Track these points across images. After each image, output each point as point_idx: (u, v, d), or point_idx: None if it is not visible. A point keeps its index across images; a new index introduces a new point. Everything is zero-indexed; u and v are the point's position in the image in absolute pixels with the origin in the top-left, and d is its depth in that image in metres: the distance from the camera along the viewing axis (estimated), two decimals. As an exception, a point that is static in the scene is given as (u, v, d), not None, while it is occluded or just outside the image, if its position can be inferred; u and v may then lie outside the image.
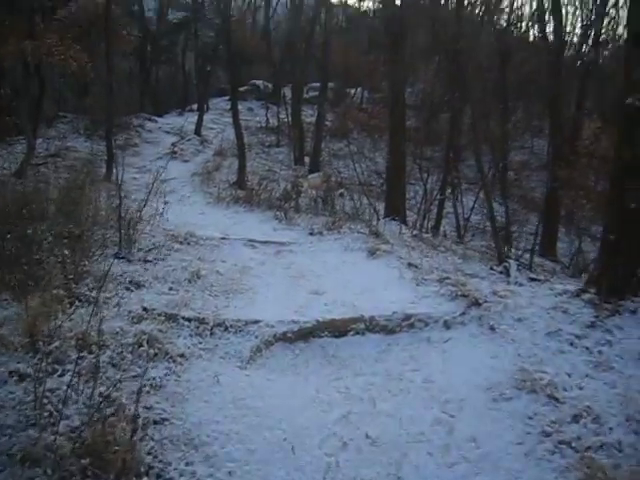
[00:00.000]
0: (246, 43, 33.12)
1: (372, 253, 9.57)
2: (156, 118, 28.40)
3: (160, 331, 5.75)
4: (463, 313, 6.84)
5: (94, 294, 6.28)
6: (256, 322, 6.38)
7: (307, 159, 23.86)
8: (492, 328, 6.47)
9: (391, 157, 14.15)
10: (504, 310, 6.74)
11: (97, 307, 5.89)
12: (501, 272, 9.12)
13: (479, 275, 8.93)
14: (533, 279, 9.01)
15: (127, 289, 6.88)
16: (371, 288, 7.85)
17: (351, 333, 6.59)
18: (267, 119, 28.66)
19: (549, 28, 24.33)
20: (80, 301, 6.21)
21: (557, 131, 20.00)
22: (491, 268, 9.33)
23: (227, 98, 30.38)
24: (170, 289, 7.10)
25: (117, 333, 5.56)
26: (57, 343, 5.13)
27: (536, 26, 35.97)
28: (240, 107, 34.20)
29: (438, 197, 16.36)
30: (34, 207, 10.48)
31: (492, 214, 12.06)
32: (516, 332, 6.33)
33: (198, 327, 6.13)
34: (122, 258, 8.20)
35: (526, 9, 59.30)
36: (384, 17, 15.43)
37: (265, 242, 10.47)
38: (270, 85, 34.93)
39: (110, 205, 13.50)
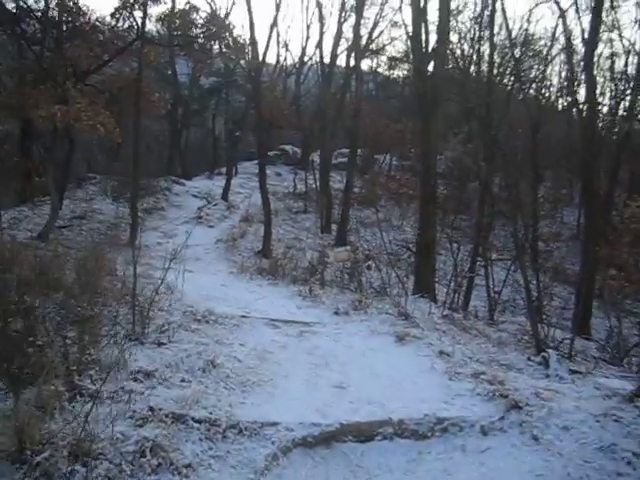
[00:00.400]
0: (276, 108, 33.02)
1: (401, 338, 8.93)
2: (184, 181, 28.23)
3: (166, 436, 5.13)
4: (502, 417, 6.15)
5: (98, 387, 5.71)
6: (274, 424, 5.74)
7: (334, 226, 23.40)
8: (535, 438, 5.77)
9: (421, 231, 13.59)
10: (548, 416, 6.05)
11: (98, 405, 5.32)
12: (540, 363, 8.42)
13: (516, 366, 8.23)
14: (574, 371, 8.29)
15: (135, 380, 6.28)
16: (400, 382, 7.19)
17: (378, 438, 5.91)
18: (295, 185, 28.38)
19: (580, 98, 24.04)
20: (81, 396, 5.62)
21: (590, 202, 19.35)
22: (529, 358, 8.63)
23: (256, 162, 30.21)
24: (182, 380, 6.48)
25: (117, 439, 4.95)
26: (47, 453, 4.54)
27: (565, 95, 35.94)
28: (268, 172, 33.98)
29: (468, 275, 15.73)
30: (50, 277, 10.09)
31: (529, 297, 11.36)
32: (563, 444, 5.63)
33: (209, 430, 5.48)
34: (135, 340, 7.64)
35: (554, 79, 59.17)
36: (416, 86, 15.00)
37: (288, 322, 9.86)
38: (299, 150, 34.81)
39: (129, 276, 13.07)
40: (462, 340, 9.31)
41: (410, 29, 14.10)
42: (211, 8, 19.26)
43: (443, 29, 13.83)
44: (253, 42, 18.11)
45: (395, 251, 21.82)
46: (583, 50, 22.59)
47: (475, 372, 7.35)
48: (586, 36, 19.40)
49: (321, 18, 32.21)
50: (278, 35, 42.46)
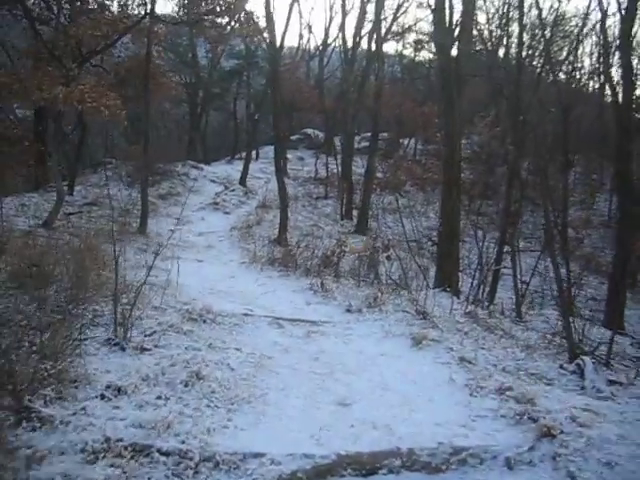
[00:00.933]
0: (299, 91, 32.02)
1: (417, 342, 7.91)
2: (203, 166, 27.31)
3: (120, 476, 4.19)
4: (531, 448, 5.10)
5: (50, 410, 4.79)
6: (258, 456, 4.76)
7: (356, 213, 22.39)
8: (572, 476, 4.74)
9: (444, 220, 12.51)
10: (587, 447, 5.00)
11: (46, 434, 4.41)
12: (573, 372, 7.36)
13: (547, 377, 7.17)
14: (613, 382, 7.23)
15: (102, 398, 5.34)
16: (413, 398, 6.18)
17: (382, 472, 4.90)
18: (316, 170, 27.32)
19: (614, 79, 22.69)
20: (29, 421, 4.69)
21: (624, 188, 18.09)
22: (561, 366, 7.57)
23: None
24: (159, 397, 5.52)
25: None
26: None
27: (597, 76, 34.40)
28: (290, 156, 33.19)
29: (494, 268, 14.66)
30: (40, 269, 9.24)
31: (562, 296, 10.23)
32: (606, 486, 4.61)
33: (178, 464, 4.52)
34: (115, 345, 6.72)
35: (586, 60, 57.41)
36: (439, 63, 13.90)
37: (294, 321, 8.89)
38: (322, 134, 33.74)
39: (137, 264, 12.26)
40: (486, 343, 8.25)
41: (433, 1, 13.00)
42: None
43: (468, 2, 12.70)
44: (269, 19, 17.04)
45: (418, 239, 20.77)
46: (617, 29, 21.36)
47: (500, 386, 6.31)
48: (623, 9, 18.10)
49: (344, -2, 31.08)
50: (301, 16, 41.44)
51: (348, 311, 9.53)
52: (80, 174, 23.07)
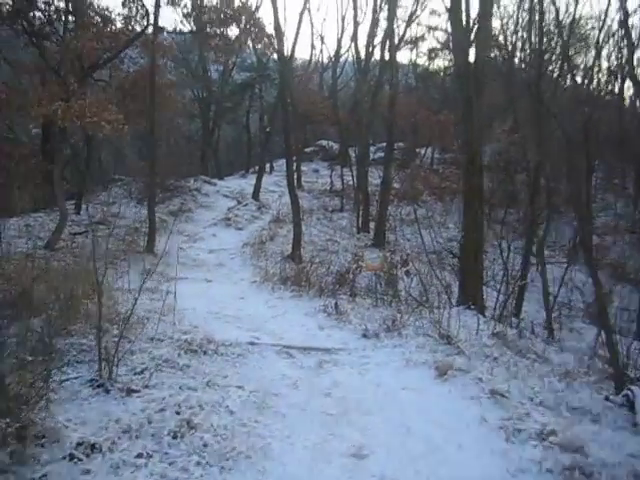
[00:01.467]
0: (312, 103, 31.21)
1: (442, 372, 6.96)
2: (216, 181, 26.54)
3: None
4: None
5: (3, 481, 3.93)
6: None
7: (372, 225, 21.47)
8: None
9: (466, 232, 11.54)
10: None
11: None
12: (622, 405, 6.41)
13: (592, 412, 6.20)
14: (668, 415, 6.26)
15: (70, 458, 4.46)
16: (439, 445, 5.25)
17: None
18: (331, 182, 26.44)
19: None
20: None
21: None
22: (607, 398, 6.61)
23: (294, 159, 28.44)
24: (139, 455, 4.63)
25: None
26: None
27: (617, 79, 33.33)
28: (305, 168, 32.32)
29: (520, 283, 13.70)
30: (33, 296, 8.44)
31: (605, 315, 9.15)
32: None
33: None
34: (98, 387, 5.85)
35: (604, 63, 56.18)
36: (457, 74, 13.02)
37: (305, 349, 7.99)
38: (336, 146, 32.91)
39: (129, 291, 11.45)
40: (519, 371, 7.28)
41: (448, 1, 12.09)
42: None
43: (486, 1, 11.78)
44: (278, 29, 16.24)
45: (438, 251, 19.81)
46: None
47: (542, 429, 5.37)
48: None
49: (355, 8, 30.33)
50: (312, 27, 40.68)
51: (364, 336, 8.61)
52: (90, 192, 22.36)
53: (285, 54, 17.73)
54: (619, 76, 32.26)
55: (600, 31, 28.91)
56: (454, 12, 11.99)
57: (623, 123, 30.74)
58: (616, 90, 35.14)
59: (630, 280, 22.71)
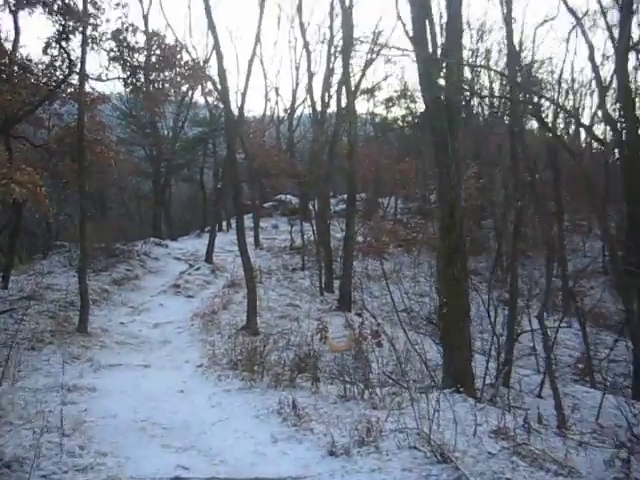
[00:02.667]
0: (268, 156, 29.30)
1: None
2: (167, 242, 24.28)
3: None
4: None
5: None
6: None
7: (337, 283, 19.35)
8: None
9: (448, 300, 9.37)
10: None
11: None
12: None
13: None
14: None
15: None
16: None
17: None
18: (291, 238, 24.32)
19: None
20: None
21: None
22: None
23: (251, 215, 26.35)
24: None
25: None
26: None
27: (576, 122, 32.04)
28: (264, 224, 30.16)
29: (510, 357, 11.61)
30: None
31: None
32: None
33: None
34: None
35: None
36: (426, 111, 11.06)
37: (251, 482, 5.72)
38: (296, 199, 30.94)
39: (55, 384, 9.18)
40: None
41: (410, 28, 10.14)
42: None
43: (455, 23, 9.89)
44: (221, 74, 14.18)
45: (409, 308, 17.75)
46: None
47: None
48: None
49: (309, 58, 28.71)
50: (265, 78, 38.89)
51: (331, 454, 6.28)
52: (25, 262, 19.93)
53: (232, 105, 15.75)
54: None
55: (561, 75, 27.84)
56: (417, 36, 10.07)
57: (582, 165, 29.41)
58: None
59: (612, 327, 21.06)
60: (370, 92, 34.47)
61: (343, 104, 20.57)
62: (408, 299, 18.61)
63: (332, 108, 26.52)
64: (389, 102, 37.02)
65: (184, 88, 27.43)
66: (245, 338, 13.17)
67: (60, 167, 14.78)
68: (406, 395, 8.09)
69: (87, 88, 13.75)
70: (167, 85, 14.11)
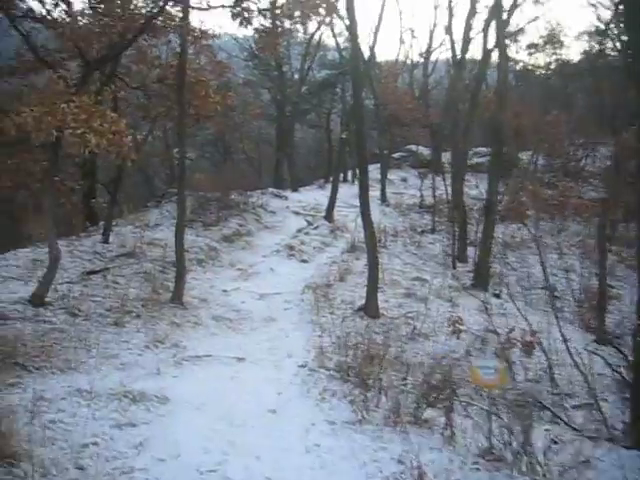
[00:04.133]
0: (401, 103, 26.29)
1: None
2: (287, 194, 21.96)
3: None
4: None
5: None
6: None
7: (471, 250, 16.50)
8: None
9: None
10: None
11: None
12: None
13: None
14: None
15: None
16: None
17: None
18: (421, 195, 21.43)
19: None
20: None
21: None
22: None
23: (379, 165, 23.63)
24: None
25: None
26: None
27: None
28: (393, 177, 27.27)
29: None
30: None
31: None
32: None
33: None
34: None
35: None
36: (632, 51, 7.99)
37: None
38: (428, 151, 27.84)
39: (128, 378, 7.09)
40: None
41: None
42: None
43: None
44: (350, 7, 11.51)
45: (552, 285, 14.69)
46: None
47: None
48: None
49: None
50: (400, 17, 35.28)
51: None
52: (137, 210, 18.23)
53: (363, 46, 12.95)
54: None
55: None
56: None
57: None
58: None
59: None
60: (514, 36, 30.52)
61: (491, 42, 17.32)
62: (551, 274, 15.59)
63: (472, 53, 23.31)
64: (533, 48, 32.98)
65: (311, 28, 24.97)
66: (362, 322, 10.78)
67: (160, 110, 12.70)
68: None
69: (197, 24, 11.58)
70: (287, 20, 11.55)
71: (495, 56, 16.62)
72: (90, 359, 8.16)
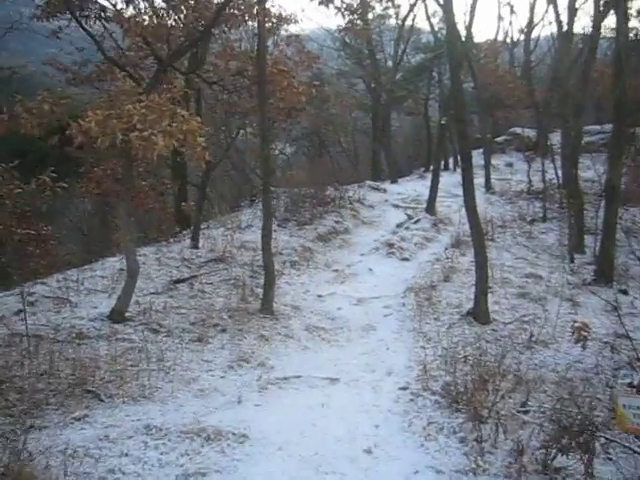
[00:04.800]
0: (501, 83, 24.44)
1: None
2: (385, 186, 20.68)
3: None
4: None
5: None
6: None
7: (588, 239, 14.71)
8: None
9: None
10: None
11: None
12: None
13: None
14: None
15: None
16: None
17: None
18: (529, 180, 19.60)
19: None
20: None
21: None
22: None
23: (482, 151, 21.97)
24: None
25: None
26: None
27: None
28: (497, 162, 25.38)
29: None
30: None
31: None
32: None
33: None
34: None
35: None
36: None
37: None
38: (533, 133, 25.80)
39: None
40: None
41: None
42: None
43: None
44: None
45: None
46: None
47: None
48: None
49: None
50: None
51: None
52: (231, 210, 17.45)
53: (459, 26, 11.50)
54: None
55: None
56: None
57: None
58: None
59: None
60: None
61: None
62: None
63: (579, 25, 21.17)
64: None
65: (403, 11, 23.64)
66: (471, 329, 9.42)
67: (239, 104, 11.73)
68: None
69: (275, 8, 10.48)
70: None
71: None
72: (167, 383, 7.27)
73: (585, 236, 15.17)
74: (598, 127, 24.36)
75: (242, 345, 8.76)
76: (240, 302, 10.54)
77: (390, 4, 15.11)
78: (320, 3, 9.32)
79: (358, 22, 12.34)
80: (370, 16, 24.15)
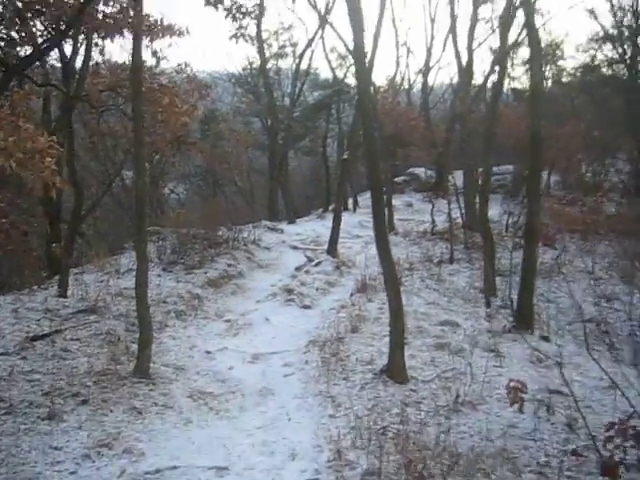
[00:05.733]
0: (401, 122, 23.63)
1: None
2: (283, 226, 19.12)
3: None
4: None
5: None
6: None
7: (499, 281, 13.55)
8: None
9: None
10: None
11: None
12: None
13: None
14: None
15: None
16: None
17: None
18: (432, 220, 18.54)
19: None
20: None
21: None
22: None
23: (384, 191, 20.75)
24: None
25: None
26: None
27: None
28: (397, 202, 24.41)
29: None
30: None
31: None
32: None
33: None
34: None
35: None
36: None
37: None
38: (432, 173, 25.11)
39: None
40: None
41: None
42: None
43: None
44: (356, 16, 8.73)
45: (601, 317, 11.86)
46: None
47: None
48: None
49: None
50: (396, 34, 31.87)
51: None
52: (111, 253, 15.31)
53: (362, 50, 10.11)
54: None
55: None
56: None
57: None
58: None
59: None
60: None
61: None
62: (594, 304, 12.82)
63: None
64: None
65: (301, 47, 22.68)
66: (387, 390, 7.83)
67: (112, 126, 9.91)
68: None
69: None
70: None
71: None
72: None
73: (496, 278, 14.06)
74: (495, 168, 23.86)
75: (106, 422, 6.78)
76: (110, 363, 8.51)
77: (287, 42, 14.02)
78: (207, 4, 7.72)
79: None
80: (267, 54, 23.07)
